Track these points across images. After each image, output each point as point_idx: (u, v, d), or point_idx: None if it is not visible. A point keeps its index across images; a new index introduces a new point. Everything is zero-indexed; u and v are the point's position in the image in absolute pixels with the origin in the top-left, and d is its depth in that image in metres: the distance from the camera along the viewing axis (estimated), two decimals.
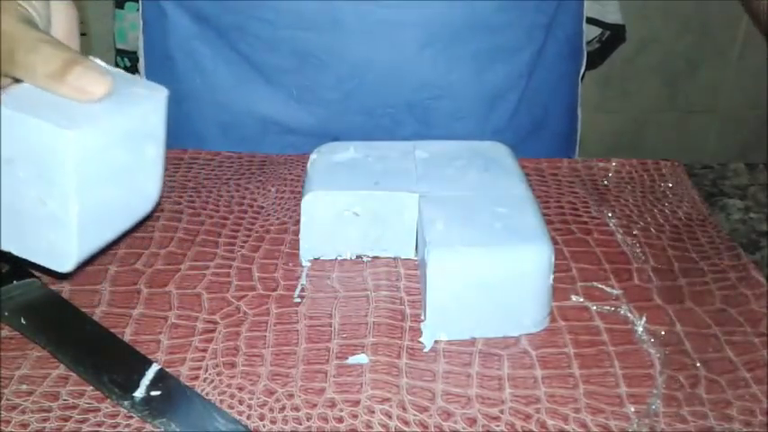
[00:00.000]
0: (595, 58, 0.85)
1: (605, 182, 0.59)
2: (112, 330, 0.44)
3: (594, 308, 0.46)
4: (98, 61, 0.37)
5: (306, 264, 0.50)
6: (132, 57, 0.71)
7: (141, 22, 0.68)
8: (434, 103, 0.64)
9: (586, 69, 0.74)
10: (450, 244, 0.43)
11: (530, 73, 0.66)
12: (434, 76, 0.63)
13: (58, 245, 0.36)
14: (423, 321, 0.44)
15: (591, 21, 0.80)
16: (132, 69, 0.71)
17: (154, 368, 0.40)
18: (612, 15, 0.87)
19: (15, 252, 0.38)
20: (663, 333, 0.44)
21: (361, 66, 0.61)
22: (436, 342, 0.43)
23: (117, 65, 0.74)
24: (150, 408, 0.38)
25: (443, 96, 0.64)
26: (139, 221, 0.41)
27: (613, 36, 0.88)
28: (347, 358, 0.42)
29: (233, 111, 0.66)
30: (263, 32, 0.62)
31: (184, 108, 0.67)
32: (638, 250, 0.51)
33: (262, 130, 0.66)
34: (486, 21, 0.62)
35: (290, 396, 0.40)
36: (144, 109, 0.37)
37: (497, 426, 0.38)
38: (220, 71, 0.65)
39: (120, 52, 0.75)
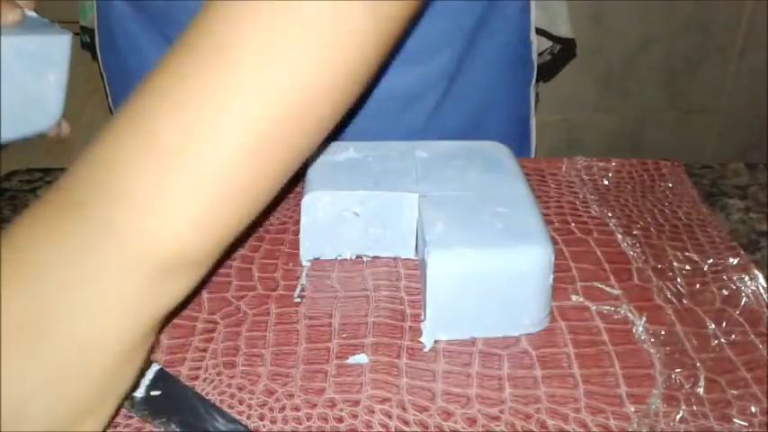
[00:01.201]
0: (546, 71, 0.84)
1: (605, 182, 0.59)
2: None
3: (594, 308, 0.46)
4: (30, 13, 0.50)
5: (306, 264, 0.50)
6: (92, 33, 0.73)
7: (95, 1, 0.70)
8: None
9: (543, 81, 0.74)
10: (450, 244, 0.43)
11: (452, 76, 0.66)
12: None
13: None
14: (423, 321, 0.44)
15: (540, 32, 0.79)
16: (91, 45, 0.73)
17: (154, 368, 0.40)
18: (562, 28, 0.85)
19: None
20: (663, 333, 0.44)
21: None
22: (436, 342, 0.43)
23: (81, 40, 0.78)
24: (150, 408, 0.38)
25: None
26: (40, 133, 0.52)
27: (564, 50, 0.87)
28: (347, 358, 0.42)
29: None
30: (185, 19, 0.62)
31: (127, 85, 0.69)
32: (638, 250, 0.51)
33: None
34: None
35: (290, 396, 0.40)
36: (44, 40, 0.49)
37: (497, 426, 0.38)
38: (153, 52, 0.66)
39: (82, 29, 0.78)
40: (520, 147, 0.76)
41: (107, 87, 0.73)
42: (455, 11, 0.64)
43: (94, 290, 0.30)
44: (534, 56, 0.73)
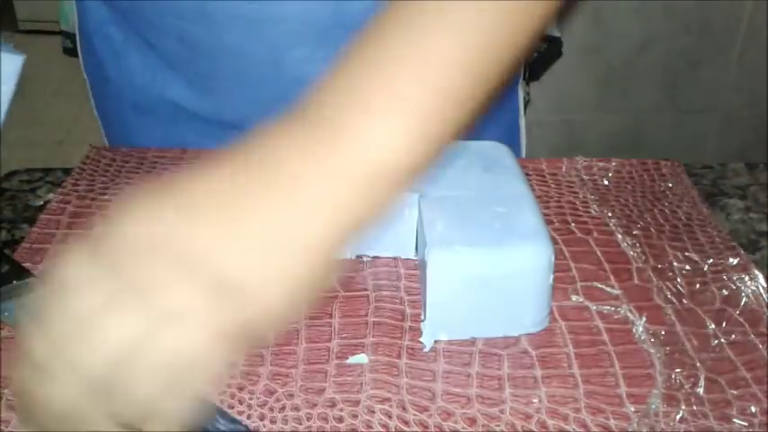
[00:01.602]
0: (532, 68, 0.82)
1: (605, 182, 0.59)
2: None
3: (594, 308, 0.46)
4: None
5: None
6: (73, 38, 0.73)
7: (75, 6, 0.70)
8: None
9: (529, 80, 0.73)
10: (450, 244, 0.43)
11: None
12: (311, 74, 0.62)
13: None
14: (423, 321, 0.44)
15: None
16: (74, 50, 0.73)
17: None
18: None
19: None
20: (663, 333, 0.44)
21: (238, 59, 0.62)
22: (436, 342, 0.43)
23: (63, 46, 0.79)
24: None
25: None
26: None
27: (550, 49, 0.85)
28: (347, 358, 0.42)
29: (145, 95, 0.67)
30: (154, 20, 0.63)
31: (106, 88, 0.69)
32: (638, 250, 0.51)
33: (173, 114, 0.67)
34: (356, 22, 0.61)
35: (290, 396, 0.40)
36: None
37: (497, 426, 0.38)
38: (131, 55, 0.66)
39: (64, 33, 0.78)
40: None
41: (90, 91, 0.73)
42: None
43: (311, 186, 0.32)
44: None
